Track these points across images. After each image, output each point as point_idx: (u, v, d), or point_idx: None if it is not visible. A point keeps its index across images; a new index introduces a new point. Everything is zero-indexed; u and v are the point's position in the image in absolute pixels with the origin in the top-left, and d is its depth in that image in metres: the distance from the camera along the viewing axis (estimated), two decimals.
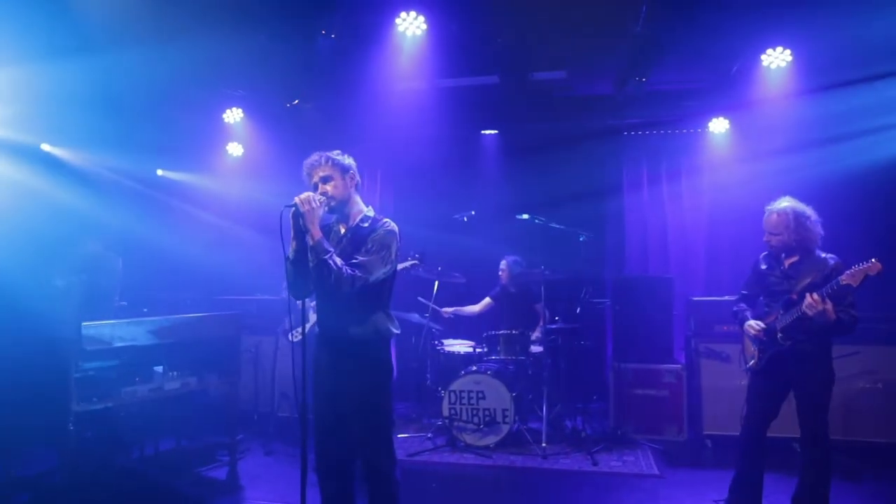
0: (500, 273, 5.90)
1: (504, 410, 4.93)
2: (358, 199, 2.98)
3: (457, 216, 5.83)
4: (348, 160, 2.92)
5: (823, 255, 3.36)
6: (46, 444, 3.95)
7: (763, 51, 5.04)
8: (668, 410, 5.14)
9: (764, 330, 3.43)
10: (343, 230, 2.96)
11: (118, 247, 5.12)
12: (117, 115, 5.18)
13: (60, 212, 5.13)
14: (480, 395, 4.97)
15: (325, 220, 3.00)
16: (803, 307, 3.16)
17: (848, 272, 3.09)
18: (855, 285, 3.07)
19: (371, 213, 2.97)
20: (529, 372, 5.36)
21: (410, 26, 4.65)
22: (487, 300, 6.04)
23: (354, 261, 2.75)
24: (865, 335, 4.12)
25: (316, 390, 2.91)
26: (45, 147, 5.59)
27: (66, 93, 4.62)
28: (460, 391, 5.01)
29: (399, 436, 5.31)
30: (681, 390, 5.13)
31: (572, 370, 5.58)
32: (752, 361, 3.52)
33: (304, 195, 2.66)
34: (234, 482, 4.36)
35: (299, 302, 2.86)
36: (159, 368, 4.08)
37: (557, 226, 5.22)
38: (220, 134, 6.51)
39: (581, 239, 5.27)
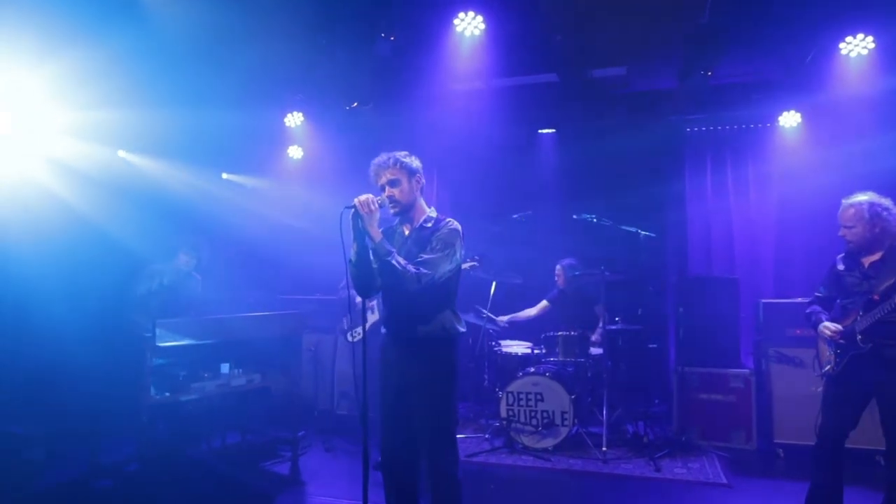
0: (556, 278, 5.82)
1: (563, 413, 4.85)
2: (422, 201, 2.98)
3: (514, 216, 5.78)
4: (416, 162, 2.91)
5: None
6: (124, 434, 4.17)
7: (842, 38, 4.75)
8: (736, 417, 4.95)
9: (841, 332, 3.24)
10: (407, 232, 2.97)
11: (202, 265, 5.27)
12: (184, 121, 5.39)
13: (140, 219, 5.37)
14: (538, 396, 4.91)
15: (390, 222, 3.03)
16: None
17: None
18: None
19: (434, 214, 2.98)
20: (589, 374, 5.25)
21: (469, 26, 4.65)
22: (544, 303, 5.96)
23: (419, 259, 2.76)
24: None
25: (383, 388, 2.93)
26: (122, 153, 5.88)
27: (136, 101, 4.85)
28: (518, 393, 4.96)
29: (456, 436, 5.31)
30: (749, 396, 4.93)
31: (634, 373, 5.43)
32: (829, 367, 3.32)
33: (363, 197, 2.66)
34: (296, 477, 4.47)
35: (359, 300, 2.89)
36: (226, 365, 4.26)
37: (623, 227, 5.09)
38: (282, 138, 6.68)
39: (641, 236, 5.12)
